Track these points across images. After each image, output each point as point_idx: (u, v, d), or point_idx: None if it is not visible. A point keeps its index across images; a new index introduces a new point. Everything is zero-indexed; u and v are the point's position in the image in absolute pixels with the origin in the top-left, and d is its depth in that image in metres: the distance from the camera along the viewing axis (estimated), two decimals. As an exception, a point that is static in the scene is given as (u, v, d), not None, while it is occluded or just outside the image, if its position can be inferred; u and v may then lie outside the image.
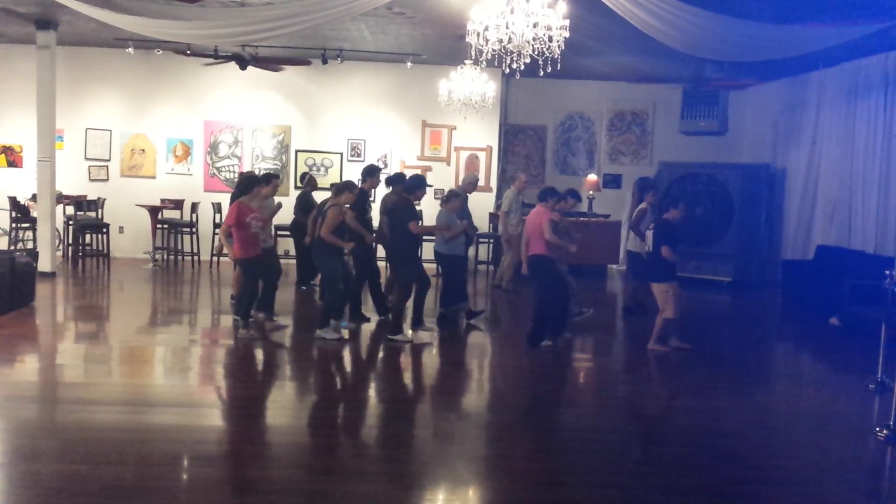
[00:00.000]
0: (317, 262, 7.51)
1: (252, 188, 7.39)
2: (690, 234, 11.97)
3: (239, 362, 6.75)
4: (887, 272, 5.90)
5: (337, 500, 3.93)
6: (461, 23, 6.73)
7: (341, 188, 7.34)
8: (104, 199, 11.96)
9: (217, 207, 11.51)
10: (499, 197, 12.93)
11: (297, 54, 11.26)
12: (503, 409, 5.81)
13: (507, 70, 6.09)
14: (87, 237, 11.34)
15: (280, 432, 5.10)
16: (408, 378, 6.60)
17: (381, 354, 7.15)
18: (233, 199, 7.82)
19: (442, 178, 12.54)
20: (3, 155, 12.26)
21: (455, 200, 7.98)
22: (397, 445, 4.87)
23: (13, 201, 11.18)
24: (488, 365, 7.28)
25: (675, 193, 11.21)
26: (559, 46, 5.78)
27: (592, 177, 12.98)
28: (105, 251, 11.26)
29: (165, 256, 11.88)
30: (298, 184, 9.40)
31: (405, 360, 6.94)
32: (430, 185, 9.91)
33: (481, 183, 12.51)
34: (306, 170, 12.16)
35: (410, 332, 7.47)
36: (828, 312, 8.92)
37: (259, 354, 7.00)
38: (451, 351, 7.52)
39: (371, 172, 8.41)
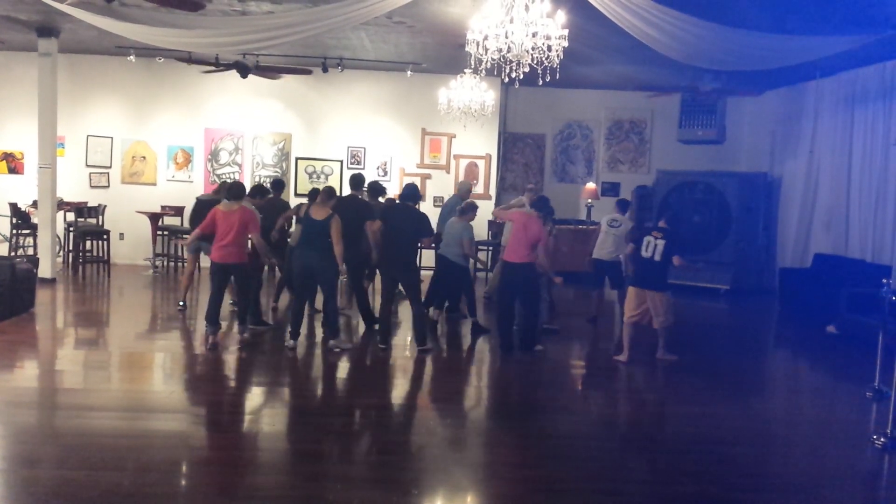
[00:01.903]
0: (323, 274, 7.08)
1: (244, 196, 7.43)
2: (688, 242, 12.04)
3: (237, 369, 6.77)
4: (884, 280, 5.95)
5: (335, 506, 3.95)
6: (461, 32, 6.77)
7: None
8: (105, 206, 11.98)
9: (217, 214, 11.54)
10: (499, 204, 12.96)
11: (297, 63, 11.31)
12: (501, 415, 5.83)
13: (507, 79, 6.12)
14: (88, 244, 11.35)
15: (278, 439, 5.11)
16: (404, 385, 6.61)
17: (374, 362, 7.16)
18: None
19: (441, 186, 12.59)
20: (4, 161, 12.29)
21: (472, 213, 8.05)
22: (395, 452, 4.89)
23: (14, 207, 11.21)
24: (485, 372, 7.29)
25: (673, 206, 11.16)
26: (558, 56, 5.81)
27: (591, 185, 13.02)
28: (105, 258, 11.28)
29: (165, 263, 11.90)
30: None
31: (401, 367, 6.96)
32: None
33: (480, 191, 12.57)
34: (306, 178, 12.32)
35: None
36: (825, 320, 8.94)
37: (257, 361, 7.01)
38: (448, 358, 7.52)
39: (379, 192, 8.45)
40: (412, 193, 7.42)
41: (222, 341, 7.25)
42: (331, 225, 6.91)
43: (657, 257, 7.13)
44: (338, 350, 7.11)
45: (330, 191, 7.33)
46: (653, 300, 7.16)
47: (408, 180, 12.47)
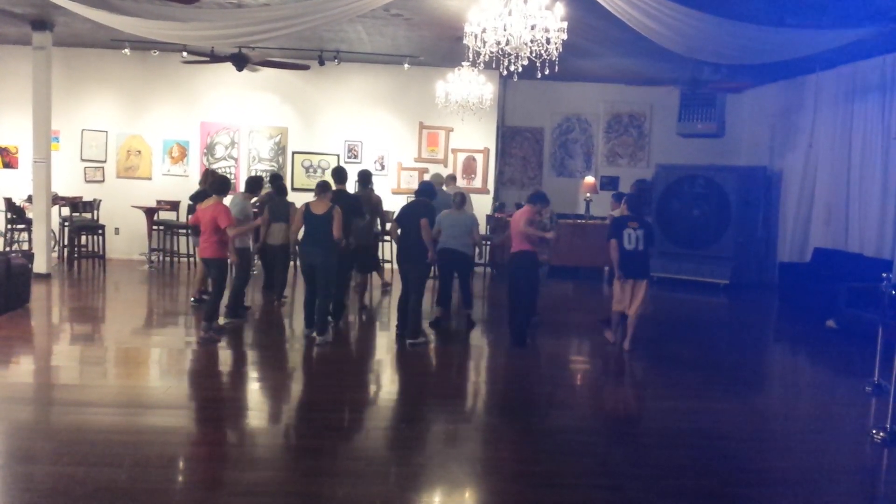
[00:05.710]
0: (323, 269, 7.11)
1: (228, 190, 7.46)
2: (688, 237, 12.02)
3: (233, 364, 6.73)
4: (884, 275, 5.93)
5: (333, 502, 3.92)
6: (459, 25, 6.73)
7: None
8: (100, 201, 11.93)
9: (213, 209, 11.49)
10: (497, 199, 12.95)
11: (294, 56, 11.24)
12: (500, 411, 5.80)
13: (505, 72, 6.09)
14: (83, 238, 11.31)
15: (275, 434, 5.08)
16: (403, 380, 6.58)
17: (373, 357, 7.14)
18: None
19: (439, 180, 12.56)
20: (-2, 156, 12.24)
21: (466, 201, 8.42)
22: (393, 447, 4.86)
23: (9, 202, 11.15)
24: (484, 367, 7.26)
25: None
26: (557, 48, 5.78)
27: (590, 179, 12.99)
28: (101, 252, 11.23)
29: (161, 258, 11.85)
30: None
31: (401, 362, 6.93)
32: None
33: (479, 185, 12.53)
34: (302, 172, 12.29)
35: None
36: (824, 315, 8.93)
37: (254, 357, 6.98)
38: (447, 353, 7.50)
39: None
40: (427, 189, 7.67)
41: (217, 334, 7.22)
42: (332, 217, 7.03)
43: (640, 247, 7.32)
44: (321, 345, 7.08)
45: (324, 184, 7.41)
46: (636, 288, 7.31)
47: (405, 174, 12.54)
